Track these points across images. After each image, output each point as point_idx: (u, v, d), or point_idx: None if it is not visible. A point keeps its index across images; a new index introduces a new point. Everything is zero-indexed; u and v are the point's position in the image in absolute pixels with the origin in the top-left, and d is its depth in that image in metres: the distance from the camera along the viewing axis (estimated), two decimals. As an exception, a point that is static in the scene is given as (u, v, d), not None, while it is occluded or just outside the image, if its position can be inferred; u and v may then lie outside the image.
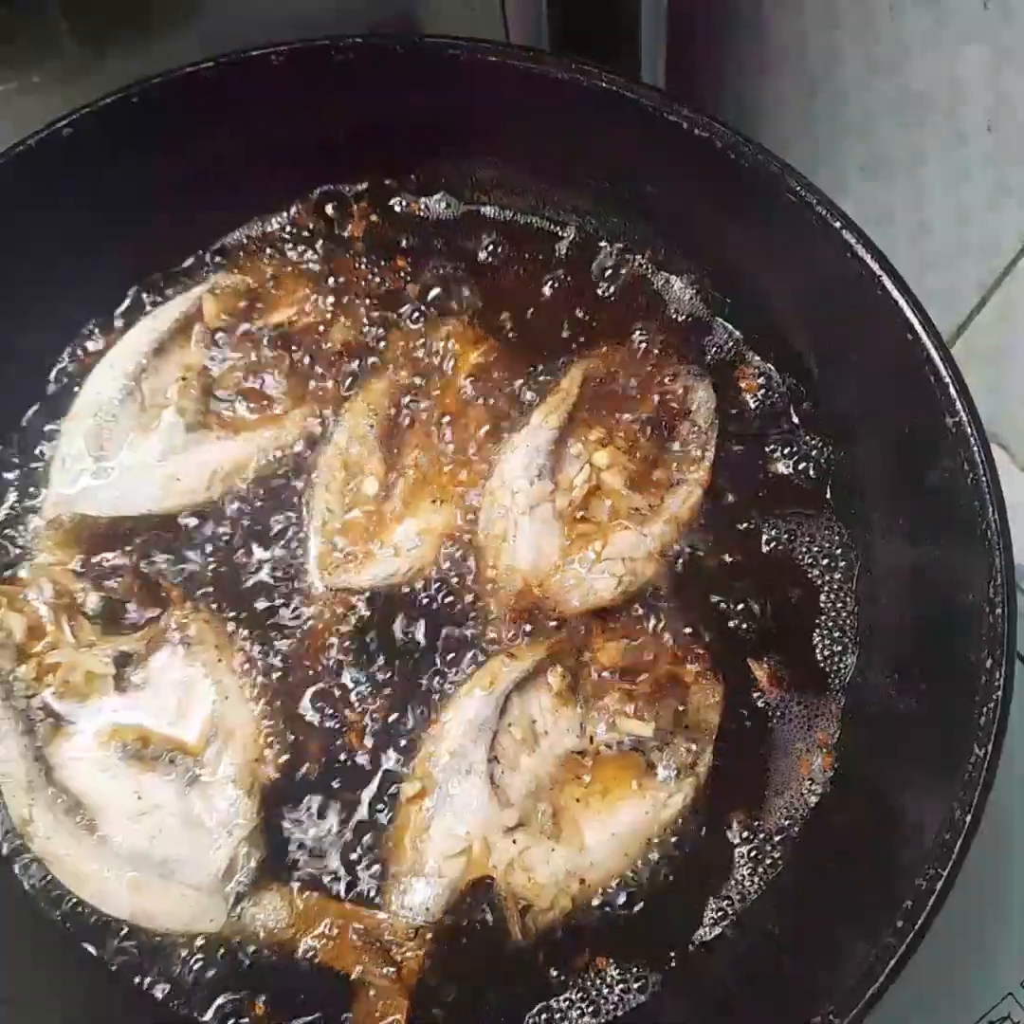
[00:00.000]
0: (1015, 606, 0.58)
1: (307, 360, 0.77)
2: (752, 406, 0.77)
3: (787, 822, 0.65)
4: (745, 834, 0.65)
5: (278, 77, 0.73)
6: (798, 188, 0.68)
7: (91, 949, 0.64)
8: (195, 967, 0.63)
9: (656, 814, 0.64)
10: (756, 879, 0.64)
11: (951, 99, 0.82)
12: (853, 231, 0.66)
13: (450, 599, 0.70)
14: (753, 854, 0.65)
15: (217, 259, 0.80)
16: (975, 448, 0.61)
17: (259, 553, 0.71)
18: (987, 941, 0.76)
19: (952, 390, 0.62)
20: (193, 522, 0.72)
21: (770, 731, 0.68)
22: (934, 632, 0.64)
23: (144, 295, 0.79)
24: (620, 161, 0.77)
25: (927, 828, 0.55)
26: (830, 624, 0.70)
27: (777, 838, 0.65)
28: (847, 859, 0.62)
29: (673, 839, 0.65)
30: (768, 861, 0.64)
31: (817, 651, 0.69)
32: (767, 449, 0.75)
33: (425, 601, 0.70)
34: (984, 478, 0.61)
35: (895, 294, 0.65)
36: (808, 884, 0.63)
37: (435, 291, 0.80)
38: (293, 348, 0.77)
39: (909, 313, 0.64)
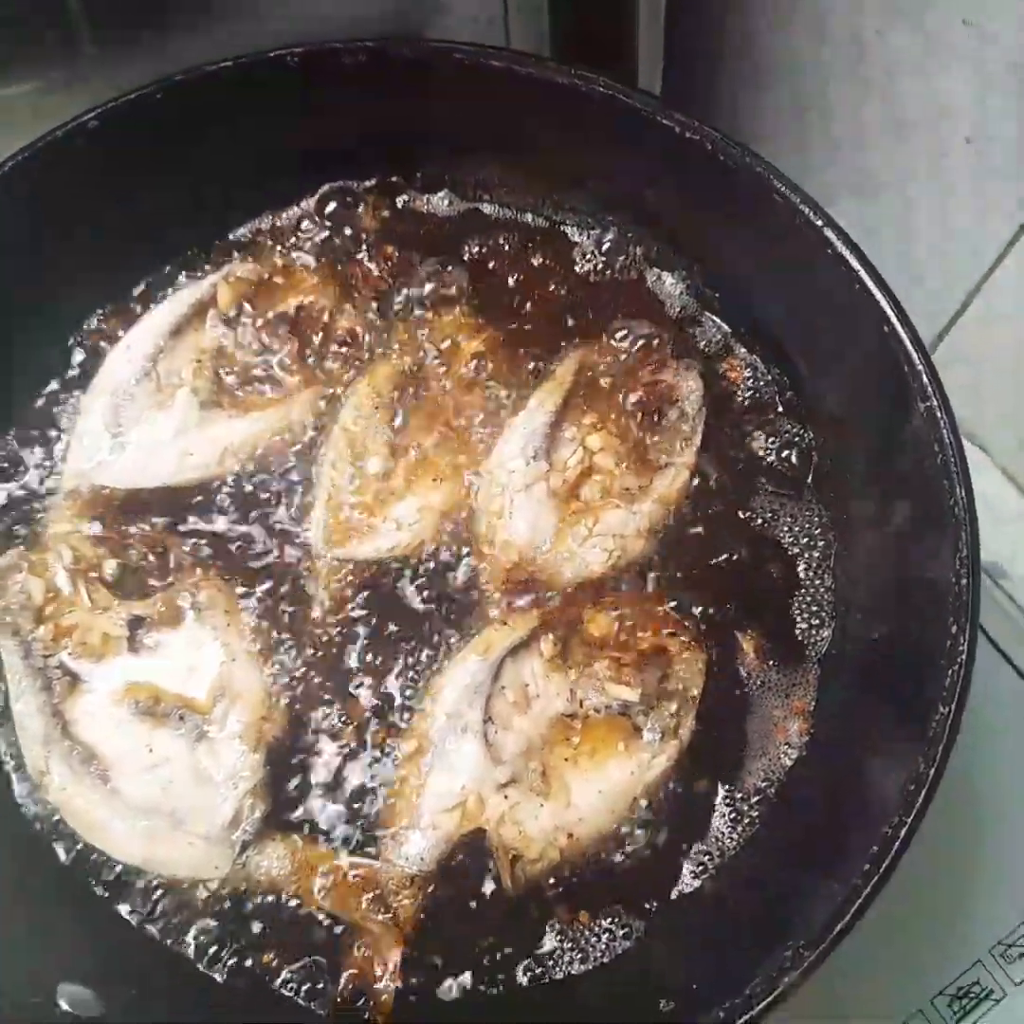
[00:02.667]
0: (979, 578, 0.62)
1: (315, 345, 0.80)
2: (738, 395, 0.80)
3: (764, 783, 0.69)
4: (725, 794, 0.68)
5: (293, 77, 0.77)
6: (783, 188, 0.72)
7: (100, 892, 0.67)
8: (199, 911, 0.66)
9: (640, 774, 0.68)
10: (735, 835, 0.67)
11: (935, 117, 0.85)
12: (834, 228, 0.70)
13: (449, 571, 0.73)
14: (731, 812, 0.68)
15: (231, 249, 0.84)
16: (945, 431, 0.65)
17: (267, 524, 0.75)
18: (957, 909, 0.80)
19: (924, 377, 0.66)
20: (205, 495, 0.76)
21: (750, 698, 0.71)
22: (905, 604, 0.67)
23: (160, 282, 0.83)
24: (616, 163, 0.81)
25: (894, 783, 0.59)
26: (808, 598, 0.73)
27: (755, 798, 0.68)
28: (820, 814, 0.65)
29: (657, 797, 0.68)
30: (746, 819, 0.68)
31: (796, 623, 0.73)
32: (751, 435, 0.79)
33: (425, 572, 0.73)
34: (953, 459, 0.64)
35: (872, 288, 0.68)
36: (783, 838, 0.66)
37: (437, 282, 0.84)
38: (302, 333, 0.81)
39: (885, 305, 0.68)
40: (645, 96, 0.76)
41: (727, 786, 0.69)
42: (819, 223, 0.70)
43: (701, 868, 0.67)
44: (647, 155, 0.78)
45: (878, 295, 0.68)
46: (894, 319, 0.68)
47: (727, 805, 0.68)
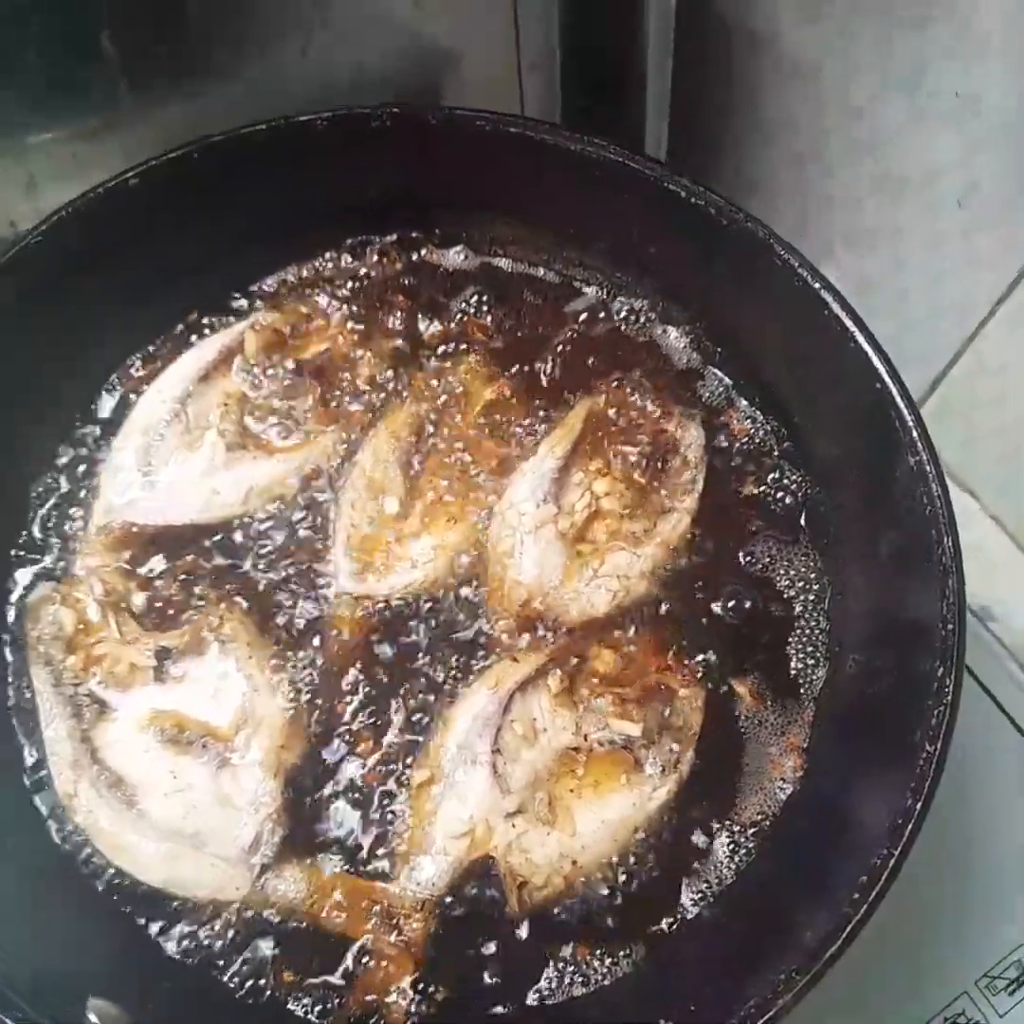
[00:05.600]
0: (964, 622, 0.65)
1: (336, 391, 0.85)
2: (738, 444, 0.84)
3: (760, 816, 0.72)
4: (722, 826, 0.72)
5: (321, 139, 0.81)
6: (782, 252, 0.76)
7: (125, 910, 0.70)
8: (219, 931, 0.69)
9: (642, 805, 0.71)
10: (732, 865, 0.70)
11: (926, 177, 0.90)
12: (830, 291, 0.74)
13: (461, 608, 0.77)
14: (729, 843, 0.71)
15: (258, 299, 0.89)
16: (933, 484, 0.69)
17: (288, 561, 0.78)
18: (944, 941, 0.83)
19: (914, 433, 0.70)
20: (230, 532, 0.79)
21: (746, 735, 0.74)
22: (895, 646, 0.71)
23: (190, 329, 0.87)
24: (624, 223, 0.85)
25: (883, 816, 0.62)
26: (804, 639, 0.77)
27: (751, 830, 0.71)
28: (813, 845, 0.68)
29: (657, 829, 0.71)
30: (743, 850, 0.71)
31: (791, 664, 0.76)
32: (750, 482, 0.82)
33: (438, 609, 0.77)
34: (941, 511, 0.68)
35: (865, 347, 0.72)
36: (778, 868, 0.69)
37: (453, 333, 0.88)
38: (323, 379, 0.85)
39: (877, 363, 0.72)
40: (652, 162, 0.80)
41: (725, 819, 0.72)
42: (816, 285, 0.74)
43: (700, 896, 0.70)
44: (654, 217, 0.82)
45: (871, 353, 0.72)
46: (886, 377, 0.72)
47: (725, 836, 0.71)
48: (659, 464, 0.82)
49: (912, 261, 0.97)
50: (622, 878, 0.70)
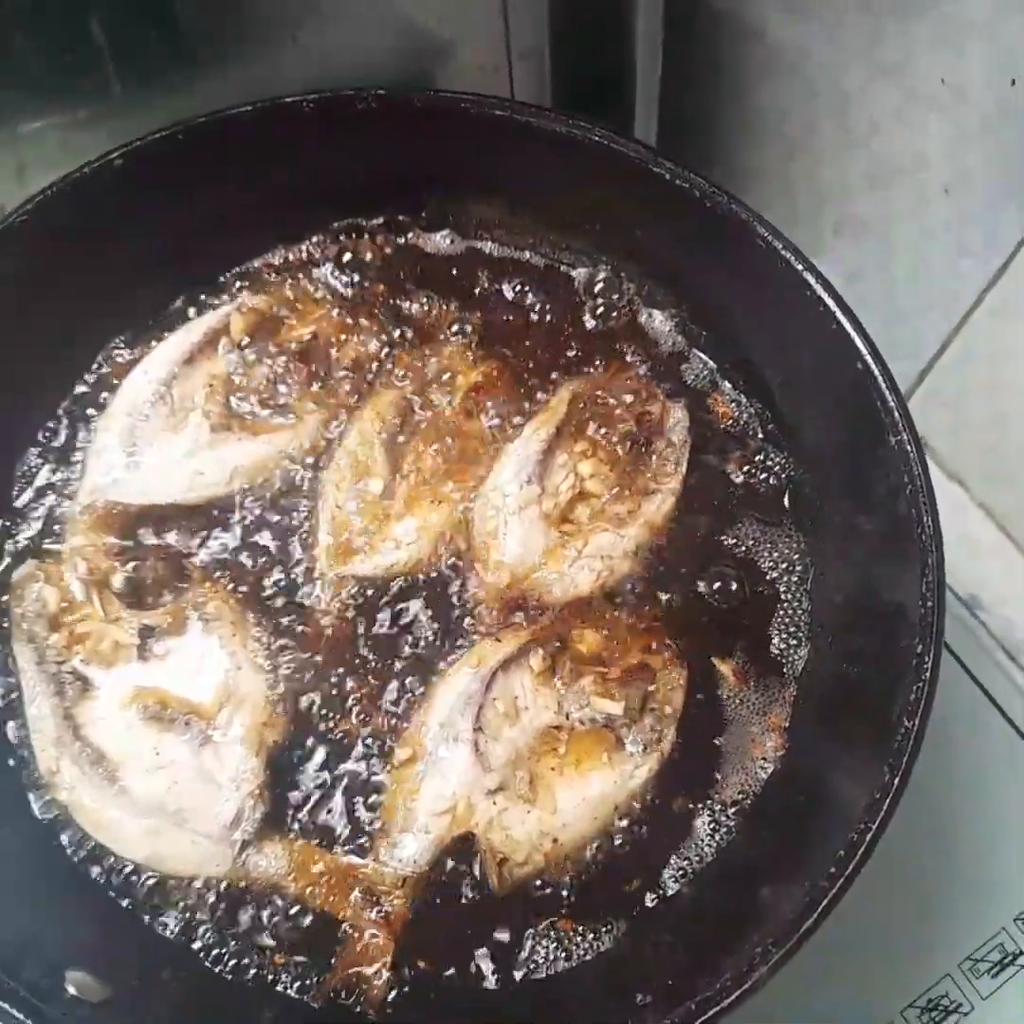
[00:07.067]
0: (944, 601, 0.66)
1: (322, 373, 0.85)
2: (723, 426, 0.85)
3: (740, 795, 0.72)
4: (703, 805, 0.72)
5: (308, 122, 0.81)
6: (765, 234, 0.76)
7: (105, 886, 0.70)
8: (200, 906, 0.69)
9: (623, 784, 0.71)
10: (712, 843, 0.70)
11: (915, 166, 0.90)
12: (812, 272, 0.74)
13: (445, 588, 0.77)
14: (710, 822, 0.71)
15: (244, 281, 0.89)
16: (914, 462, 0.69)
17: (272, 541, 0.79)
18: (927, 923, 0.83)
19: (896, 413, 0.70)
20: (214, 512, 0.79)
21: (728, 714, 0.74)
22: (876, 625, 0.71)
23: (175, 311, 0.87)
24: (611, 207, 0.86)
25: (861, 792, 0.62)
26: (786, 620, 0.77)
27: (732, 810, 0.72)
28: (793, 823, 0.68)
29: (638, 807, 0.71)
30: (723, 829, 0.71)
31: (773, 644, 0.77)
32: (734, 464, 0.83)
33: (422, 589, 0.77)
34: (921, 489, 0.68)
35: (848, 327, 0.73)
36: (758, 846, 0.69)
37: (439, 316, 0.88)
38: (309, 361, 0.85)
39: (859, 344, 0.72)
40: (637, 145, 0.80)
41: (706, 797, 0.72)
42: (799, 266, 0.75)
43: (680, 873, 0.70)
44: (640, 200, 0.82)
45: (853, 334, 0.73)
46: (867, 356, 0.72)
47: (705, 815, 0.72)
48: (643, 446, 0.82)
49: (901, 250, 0.97)
50: (603, 855, 0.70)
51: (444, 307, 0.89)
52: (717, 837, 0.71)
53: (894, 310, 1.00)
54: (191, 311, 0.87)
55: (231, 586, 0.77)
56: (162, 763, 0.71)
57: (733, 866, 0.69)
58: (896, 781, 0.61)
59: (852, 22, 0.87)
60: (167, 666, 0.74)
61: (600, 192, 0.84)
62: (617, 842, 0.70)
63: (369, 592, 0.77)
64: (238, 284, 0.89)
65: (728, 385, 0.86)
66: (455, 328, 0.88)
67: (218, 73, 0.88)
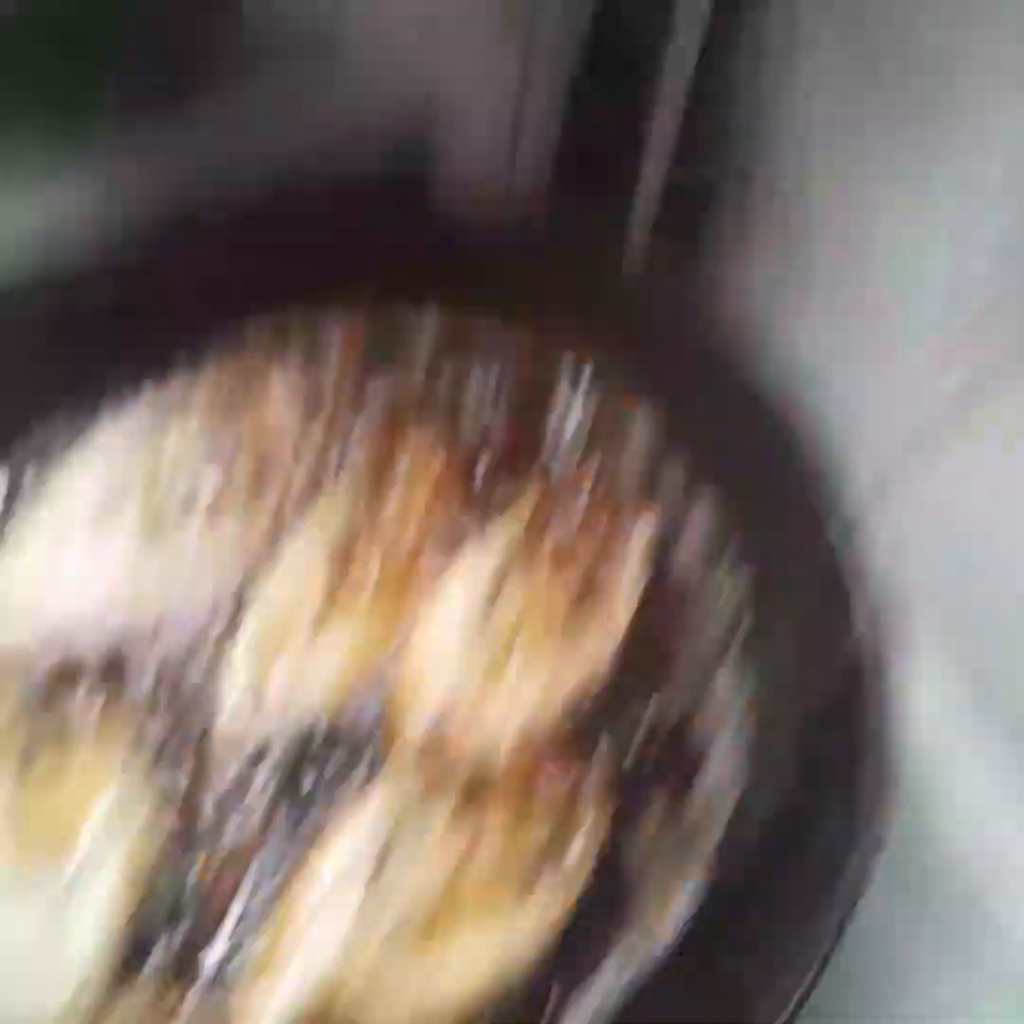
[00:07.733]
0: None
1: (270, 467, 0.80)
2: (687, 541, 0.80)
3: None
4: (618, 943, 0.65)
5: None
6: (745, 362, 0.77)
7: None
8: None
9: (532, 929, 0.64)
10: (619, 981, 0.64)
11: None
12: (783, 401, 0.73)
13: (361, 721, 0.71)
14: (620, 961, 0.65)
15: (193, 363, 0.84)
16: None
17: (182, 673, 0.72)
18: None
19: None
20: (126, 635, 0.72)
21: (647, 859, 0.68)
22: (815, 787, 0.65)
23: (120, 397, 0.82)
24: (595, 324, 0.83)
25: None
26: (722, 765, 0.71)
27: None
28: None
29: (547, 952, 0.64)
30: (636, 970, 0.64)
31: (706, 789, 0.70)
32: (693, 592, 0.78)
33: (337, 719, 0.71)
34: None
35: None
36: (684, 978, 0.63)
37: (404, 407, 0.84)
38: (257, 455, 0.80)
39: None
40: (626, 279, 0.83)
41: (621, 935, 0.65)
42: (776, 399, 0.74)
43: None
44: (623, 315, 0.82)
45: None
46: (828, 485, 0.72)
47: (617, 955, 0.64)
48: (597, 575, 0.76)
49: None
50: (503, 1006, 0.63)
51: (411, 398, 0.85)
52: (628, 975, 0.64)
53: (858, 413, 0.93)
54: (130, 400, 0.82)
55: (128, 709, 0.70)
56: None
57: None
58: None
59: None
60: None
61: (579, 305, 0.83)
62: (520, 990, 0.63)
63: (280, 727, 0.70)
64: (191, 364, 0.84)
65: (701, 502, 0.81)
66: (419, 425, 0.83)
67: (212, 124, 0.85)
